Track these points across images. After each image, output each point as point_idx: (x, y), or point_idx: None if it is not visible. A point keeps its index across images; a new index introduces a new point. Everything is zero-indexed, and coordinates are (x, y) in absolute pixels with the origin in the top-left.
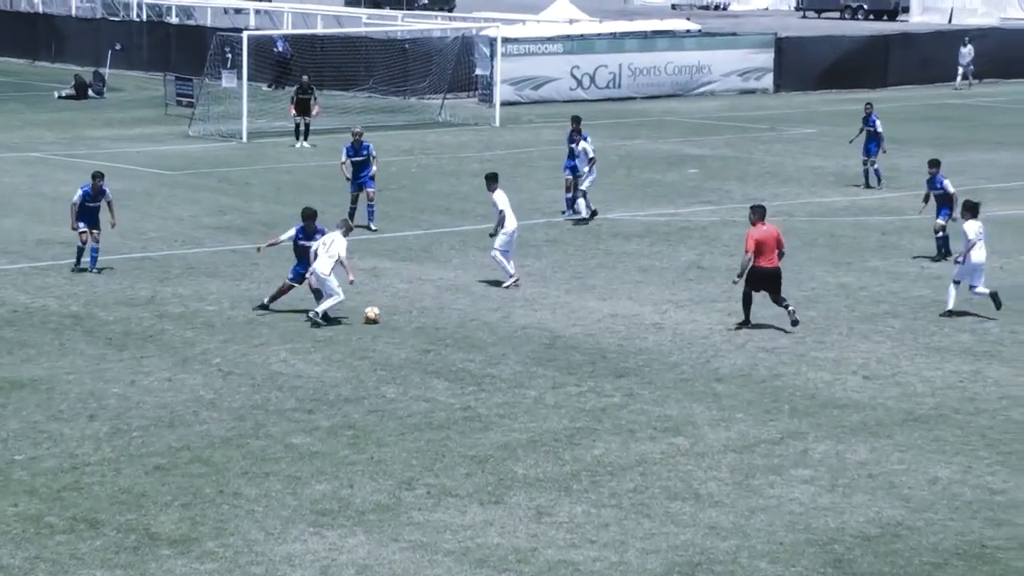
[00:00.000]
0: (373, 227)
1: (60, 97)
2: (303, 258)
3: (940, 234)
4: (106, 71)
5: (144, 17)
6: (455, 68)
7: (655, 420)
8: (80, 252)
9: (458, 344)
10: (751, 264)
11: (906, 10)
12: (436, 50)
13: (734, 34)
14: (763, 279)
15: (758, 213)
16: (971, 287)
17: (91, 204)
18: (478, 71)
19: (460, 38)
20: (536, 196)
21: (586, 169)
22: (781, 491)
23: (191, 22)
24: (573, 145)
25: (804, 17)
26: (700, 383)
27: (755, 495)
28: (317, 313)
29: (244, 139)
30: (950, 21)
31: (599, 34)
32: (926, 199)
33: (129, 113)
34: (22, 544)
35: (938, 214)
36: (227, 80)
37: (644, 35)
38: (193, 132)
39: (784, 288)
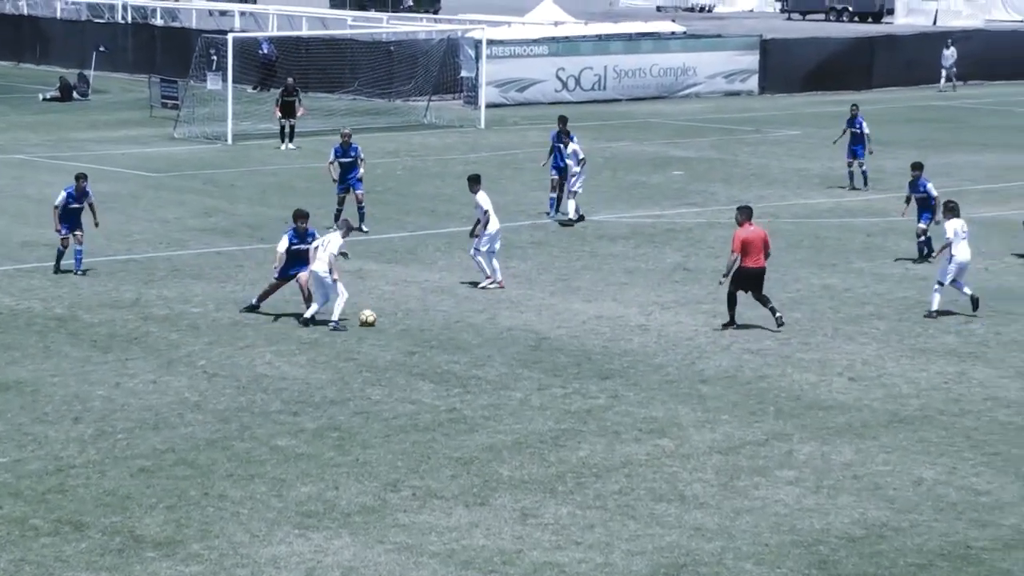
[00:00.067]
0: (365, 229)
1: (45, 99)
2: (295, 260)
3: (922, 238)
4: (91, 73)
5: (129, 19)
6: (440, 70)
7: (640, 422)
8: (60, 255)
9: (443, 346)
10: (737, 264)
11: (891, 12)
12: (421, 52)
13: (719, 36)
14: (749, 279)
15: (744, 213)
16: (954, 282)
17: (75, 206)
18: (463, 73)
19: (445, 40)
20: (521, 198)
21: (577, 169)
22: (766, 492)
23: (176, 24)
24: (560, 145)
25: (789, 19)
26: (685, 385)
27: (740, 496)
28: (336, 322)
29: (229, 141)
30: (935, 23)
31: (584, 36)
32: (907, 201)
33: (114, 115)
34: (7, 547)
35: (919, 218)
36: (212, 82)
37: (629, 37)
38: (178, 134)
39: (769, 290)
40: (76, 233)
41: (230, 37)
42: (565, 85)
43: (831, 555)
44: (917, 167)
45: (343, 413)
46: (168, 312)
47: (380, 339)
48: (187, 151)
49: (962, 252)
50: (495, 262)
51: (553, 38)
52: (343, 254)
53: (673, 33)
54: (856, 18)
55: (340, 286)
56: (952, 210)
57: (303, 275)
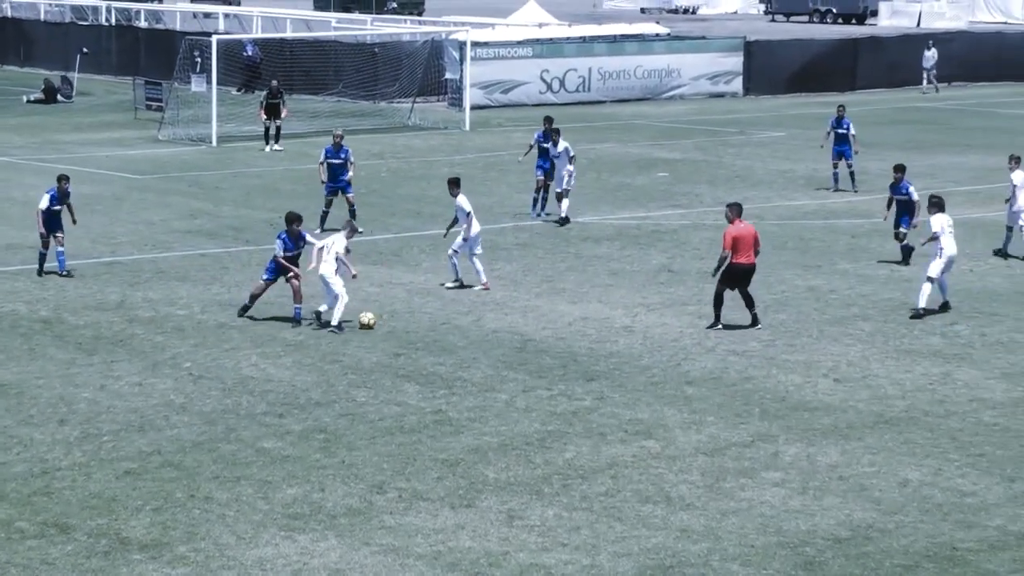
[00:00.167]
0: (360, 230)
1: (29, 101)
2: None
3: (904, 242)
4: (75, 75)
5: (113, 21)
6: (425, 72)
7: (626, 423)
8: (43, 258)
9: (429, 348)
10: (728, 261)
11: (875, 14)
12: (406, 54)
13: (703, 38)
14: (739, 276)
15: (735, 210)
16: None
17: (57, 208)
18: (448, 75)
19: (430, 42)
20: (506, 200)
21: (571, 167)
22: (752, 494)
23: (160, 26)
24: (547, 145)
25: (773, 21)
26: (671, 386)
27: (726, 498)
28: (338, 325)
29: (214, 143)
30: (918, 25)
31: (568, 38)
32: (889, 204)
33: (98, 117)
34: None
35: (898, 222)
36: (196, 84)
37: (613, 39)
38: (162, 136)
39: (754, 291)
40: (57, 235)
41: (214, 39)
42: (550, 87)
43: (817, 556)
44: (899, 169)
45: (329, 415)
46: (153, 314)
47: (365, 341)
48: (171, 153)
49: (950, 246)
50: (479, 264)
51: (537, 40)
52: (347, 251)
53: (657, 35)
54: (840, 20)
55: (342, 289)
56: (937, 205)
57: (295, 281)
